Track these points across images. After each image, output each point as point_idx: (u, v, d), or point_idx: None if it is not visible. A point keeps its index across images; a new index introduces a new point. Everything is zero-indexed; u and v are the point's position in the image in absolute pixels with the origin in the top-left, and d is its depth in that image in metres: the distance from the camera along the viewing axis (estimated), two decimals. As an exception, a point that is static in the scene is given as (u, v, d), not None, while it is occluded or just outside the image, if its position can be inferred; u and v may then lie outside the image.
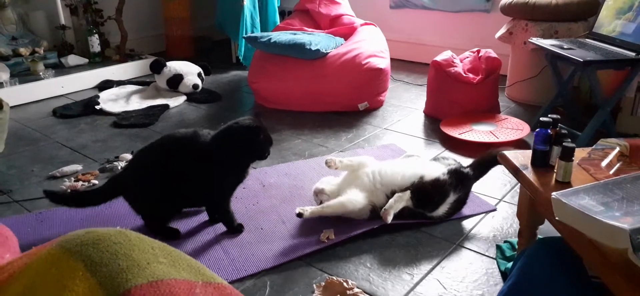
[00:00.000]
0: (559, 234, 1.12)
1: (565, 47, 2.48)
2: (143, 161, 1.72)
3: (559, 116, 1.23)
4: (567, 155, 1.11)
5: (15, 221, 1.85)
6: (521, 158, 1.21)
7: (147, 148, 1.74)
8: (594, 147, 1.28)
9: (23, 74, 3.30)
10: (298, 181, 2.15)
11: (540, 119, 1.21)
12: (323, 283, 1.50)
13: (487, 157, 1.90)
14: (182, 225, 1.80)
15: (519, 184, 1.26)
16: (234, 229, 1.77)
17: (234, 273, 1.56)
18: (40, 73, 3.31)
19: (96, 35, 3.68)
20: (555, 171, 1.16)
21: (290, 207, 1.94)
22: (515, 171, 1.19)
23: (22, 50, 3.39)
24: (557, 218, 0.96)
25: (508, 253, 1.61)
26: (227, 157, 1.66)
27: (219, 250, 1.67)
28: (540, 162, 1.21)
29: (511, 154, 1.22)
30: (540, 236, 1.33)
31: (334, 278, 1.51)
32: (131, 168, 1.74)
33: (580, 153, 1.22)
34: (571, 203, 0.92)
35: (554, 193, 0.95)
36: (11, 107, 2.93)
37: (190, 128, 1.73)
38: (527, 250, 1.14)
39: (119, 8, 3.70)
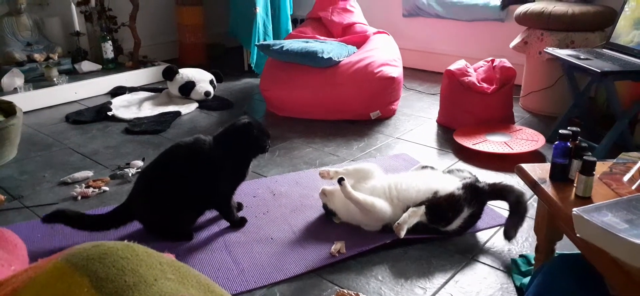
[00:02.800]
0: (578, 251, 1.09)
1: (582, 57, 2.44)
2: (149, 178, 1.76)
3: (578, 129, 1.20)
4: (588, 169, 1.07)
5: (26, 227, 1.85)
6: (539, 171, 1.18)
7: (151, 165, 1.80)
8: (615, 161, 1.24)
9: (37, 80, 3.33)
10: (309, 190, 2.12)
11: (560, 131, 1.18)
12: (334, 295, 1.48)
13: (507, 189, 1.81)
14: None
15: (537, 198, 1.22)
16: (237, 223, 1.83)
17: (243, 284, 1.54)
18: (54, 79, 3.33)
19: (110, 42, 3.70)
20: (575, 185, 1.13)
21: (300, 217, 1.92)
22: (533, 184, 1.15)
23: (37, 56, 3.41)
24: (578, 235, 0.93)
25: (524, 267, 1.56)
26: (227, 157, 1.72)
27: (228, 261, 1.65)
28: (559, 176, 1.17)
29: (529, 168, 1.19)
30: (559, 252, 1.29)
31: (345, 290, 1.49)
32: (139, 189, 1.76)
33: (601, 167, 1.18)
34: (593, 220, 0.88)
35: (575, 209, 0.92)
36: (25, 112, 2.95)
37: (192, 136, 1.78)
38: (545, 266, 1.10)
39: (133, 15, 3.73)
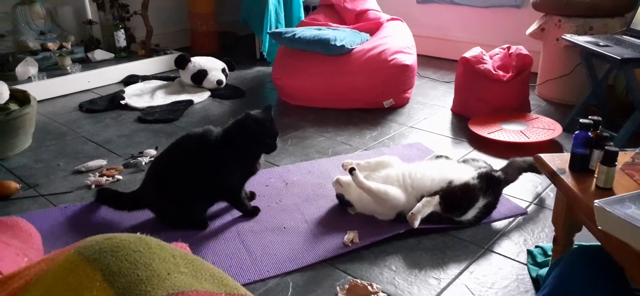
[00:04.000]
0: (598, 243, 1.06)
1: (601, 44, 2.38)
2: (159, 167, 1.77)
3: (600, 118, 1.16)
4: (610, 160, 1.04)
5: (41, 215, 1.86)
6: (558, 161, 1.15)
7: (161, 155, 1.81)
8: (638, 150, 1.20)
9: (51, 69, 3.34)
10: (321, 180, 2.11)
11: (580, 120, 1.15)
12: (347, 286, 1.47)
13: (521, 164, 1.83)
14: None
15: (555, 188, 1.19)
16: (250, 213, 1.82)
17: (256, 273, 1.54)
18: (68, 68, 3.34)
19: (122, 30, 3.70)
20: (595, 176, 1.09)
21: (313, 206, 1.91)
22: (552, 175, 1.12)
23: (50, 45, 3.43)
24: (599, 228, 0.90)
25: (540, 258, 1.54)
26: (232, 150, 1.70)
27: (242, 250, 1.65)
28: (580, 166, 1.14)
29: (548, 157, 1.16)
30: (577, 244, 1.27)
31: (358, 281, 1.47)
32: (149, 177, 1.78)
33: (623, 157, 1.15)
34: (616, 212, 0.85)
35: (596, 201, 0.89)
36: (39, 101, 2.97)
37: (202, 127, 1.77)
38: (564, 259, 1.08)
39: (145, 3, 3.72)
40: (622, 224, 0.84)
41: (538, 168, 1.75)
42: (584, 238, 1.34)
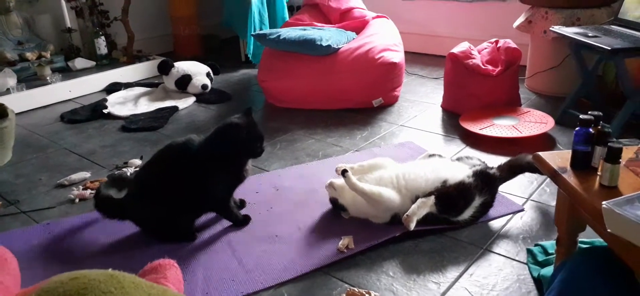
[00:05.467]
0: (603, 242, 1.02)
1: (590, 34, 2.36)
2: (142, 180, 1.70)
3: (601, 113, 1.12)
4: (614, 157, 1.00)
5: (22, 233, 1.79)
6: (559, 159, 1.11)
7: (144, 166, 1.74)
8: (640, 145, 1.17)
9: (30, 79, 3.25)
10: (313, 184, 2.05)
11: (580, 116, 1.11)
12: (344, 295, 1.42)
13: (517, 162, 1.80)
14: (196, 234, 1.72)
15: (552, 185, 1.15)
16: (240, 222, 1.75)
17: (250, 285, 1.48)
18: (48, 78, 3.25)
19: (103, 37, 3.61)
20: (599, 173, 1.06)
21: (305, 212, 1.86)
22: (553, 174, 1.09)
23: (29, 54, 3.33)
24: (609, 231, 0.86)
25: (540, 257, 1.50)
26: (216, 159, 1.62)
27: (233, 262, 1.59)
28: (582, 164, 1.10)
29: (547, 156, 1.12)
30: (581, 243, 1.23)
31: (355, 289, 1.43)
32: (132, 189, 1.71)
33: (626, 153, 1.11)
34: (627, 214, 0.82)
35: (605, 203, 0.85)
36: (19, 113, 2.88)
37: (184, 136, 1.69)
38: (570, 261, 1.04)
39: (125, 8, 3.64)
40: (633, 226, 0.80)
41: (536, 167, 1.74)
42: (587, 237, 1.31)
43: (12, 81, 3.07)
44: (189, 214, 1.70)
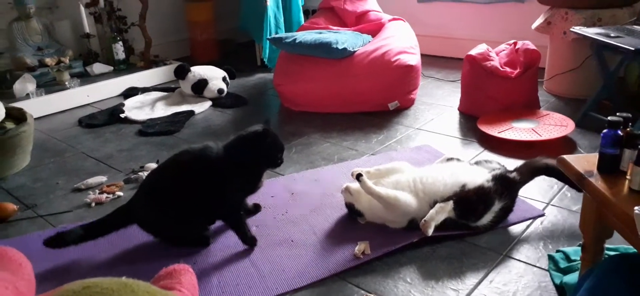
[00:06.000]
0: (630, 249, 0.98)
1: (612, 35, 2.31)
2: (154, 184, 1.66)
3: (629, 115, 1.08)
4: (644, 160, 0.97)
5: (39, 237, 1.78)
6: (585, 162, 1.07)
7: (157, 170, 1.71)
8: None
9: (49, 85, 3.29)
10: (328, 188, 2.03)
11: (609, 118, 1.07)
12: (360, 301, 1.39)
13: (537, 165, 1.76)
14: (211, 239, 1.71)
15: (571, 189, 1.12)
16: (248, 240, 1.67)
17: (265, 291, 1.46)
18: (66, 83, 3.29)
19: (120, 43, 3.65)
20: (628, 177, 1.02)
21: (321, 216, 1.84)
22: (579, 178, 1.05)
23: (48, 60, 3.37)
24: (640, 236, 0.82)
25: (562, 264, 1.46)
26: (236, 166, 1.60)
27: (248, 266, 1.58)
28: (609, 167, 1.06)
29: (573, 159, 1.08)
30: (609, 251, 1.19)
31: (372, 295, 1.40)
32: (143, 193, 1.66)
33: (655, 156, 1.07)
34: (658, 219, 0.78)
35: (637, 208, 0.81)
36: (38, 118, 2.92)
37: (201, 143, 1.66)
38: (597, 269, 1.00)
39: (143, 14, 3.67)
40: (664, 232, 0.77)
41: (555, 170, 1.70)
42: (614, 243, 1.26)
43: (31, 86, 3.11)
44: (200, 221, 1.67)
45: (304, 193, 2.01)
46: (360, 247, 1.60)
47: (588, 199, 1.10)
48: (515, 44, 2.81)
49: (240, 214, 1.67)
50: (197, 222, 1.67)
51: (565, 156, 1.10)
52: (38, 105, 3.02)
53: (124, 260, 1.65)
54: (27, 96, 3.07)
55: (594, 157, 1.10)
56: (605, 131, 1.07)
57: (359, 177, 1.68)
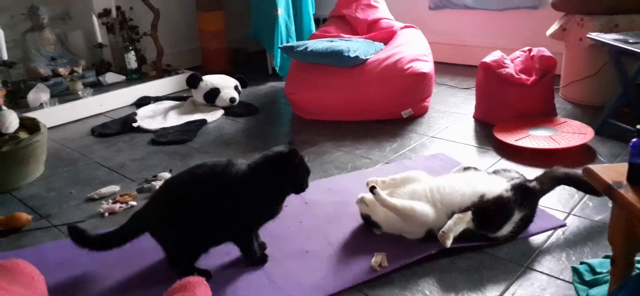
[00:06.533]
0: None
1: (631, 41, 2.26)
2: (171, 193, 1.55)
3: (657, 123, 1.05)
4: (676, 170, 0.93)
5: (53, 246, 1.79)
6: (613, 173, 1.04)
7: (175, 179, 1.61)
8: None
9: (63, 94, 3.30)
10: (343, 197, 2.00)
11: (638, 127, 1.03)
12: (378, 314, 1.36)
13: (557, 174, 1.72)
14: (224, 248, 1.67)
15: (611, 203, 1.08)
16: (257, 261, 1.61)
17: (280, 303, 1.44)
18: (79, 92, 3.30)
19: (132, 52, 3.66)
20: (659, 188, 0.98)
21: (335, 226, 1.81)
22: (607, 189, 1.01)
23: (61, 70, 3.39)
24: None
25: (588, 277, 1.41)
26: (258, 189, 1.49)
27: (262, 277, 1.55)
28: (639, 178, 1.02)
29: (600, 170, 1.05)
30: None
31: (390, 308, 1.37)
32: (157, 200, 1.57)
33: (686, 166, 1.03)
34: (696, 232, 0.74)
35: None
36: (52, 127, 2.93)
37: (224, 158, 1.56)
38: (630, 284, 0.96)
39: (154, 24, 3.68)
40: None
41: (580, 179, 1.66)
42: None
43: (45, 96, 3.12)
44: (208, 241, 1.56)
45: (318, 203, 1.98)
46: (376, 259, 1.57)
47: (617, 210, 1.06)
48: (530, 51, 2.77)
49: (251, 238, 1.58)
50: (208, 240, 1.56)
51: (591, 166, 1.06)
52: (51, 115, 3.03)
53: (135, 270, 1.62)
54: (41, 106, 3.09)
55: (622, 167, 1.06)
56: (634, 140, 1.03)
57: (372, 189, 1.65)
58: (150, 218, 1.56)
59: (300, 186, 1.54)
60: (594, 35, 2.48)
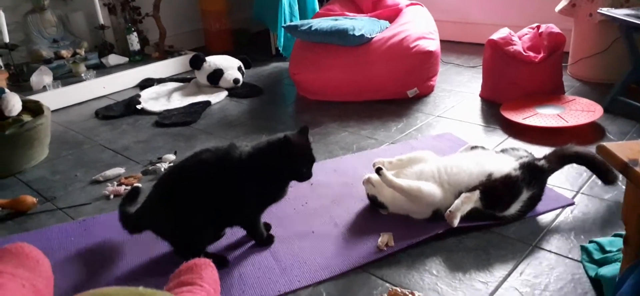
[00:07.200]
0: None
1: (642, 16, 2.21)
2: (170, 184, 1.51)
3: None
4: (692, 146, 0.90)
5: (59, 230, 1.79)
6: (629, 150, 1.01)
7: (174, 169, 1.57)
8: None
9: (65, 77, 3.28)
10: (348, 178, 1.99)
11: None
12: (385, 295, 1.35)
13: (567, 152, 1.70)
14: (229, 232, 1.67)
15: (625, 181, 1.05)
16: (265, 242, 1.60)
17: (286, 284, 1.43)
18: (82, 74, 3.28)
19: (135, 34, 3.63)
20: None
21: (341, 207, 1.80)
22: (623, 167, 0.99)
23: (64, 52, 3.37)
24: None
25: (597, 255, 1.40)
26: (262, 177, 1.46)
27: (269, 259, 1.55)
28: (654, 155, 1.00)
29: (615, 147, 1.02)
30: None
31: (398, 288, 1.36)
32: (156, 194, 1.53)
33: (700, 142, 1.00)
34: None
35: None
36: (55, 110, 2.92)
37: (227, 141, 1.54)
38: (642, 263, 0.94)
39: (156, 4, 3.64)
40: None
41: (590, 158, 1.64)
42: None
43: (48, 79, 3.11)
44: (211, 229, 1.55)
45: (324, 184, 1.97)
46: (383, 239, 1.56)
47: (632, 189, 1.04)
48: (538, 27, 2.73)
49: (257, 220, 1.57)
50: (210, 229, 1.54)
51: (606, 144, 1.03)
52: (55, 97, 3.02)
53: (140, 253, 1.62)
54: (44, 89, 3.07)
55: (637, 144, 1.03)
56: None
57: (378, 171, 1.63)
58: (152, 213, 1.52)
59: (298, 175, 1.50)
60: (605, 10, 2.43)
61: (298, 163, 1.48)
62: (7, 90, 2.39)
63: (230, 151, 1.48)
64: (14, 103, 2.31)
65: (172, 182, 1.52)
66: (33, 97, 2.67)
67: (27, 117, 2.32)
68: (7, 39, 3.02)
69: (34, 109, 2.42)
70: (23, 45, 3.32)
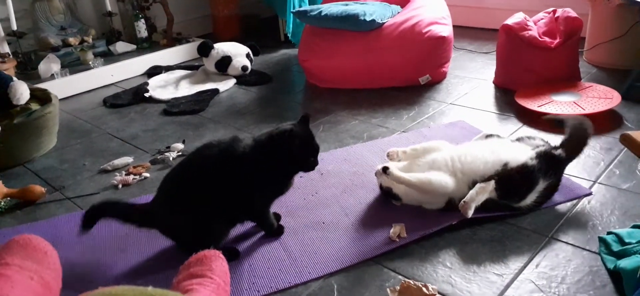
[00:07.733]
0: None
1: (663, -1, 2.14)
2: (175, 183, 1.48)
3: None
4: None
5: (67, 219, 1.78)
6: (653, 139, 0.97)
7: (177, 169, 1.52)
8: None
9: (73, 65, 3.27)
10: (358, 167, 1.96)
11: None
12: (398, 287, 1.32)
13: (579, 132, 1.65)
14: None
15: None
16: (275, 232, 1.58)
17: (296, 276, 1.41)
18: (90, 62, 3.26)
19: (142, 20, 3.60)
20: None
21: (352, 197, 1.77)
22: (648, 157, 0.95)
23: (72, 39, 3.35)
24: None
25: (615, 247, 1.35)
26: (263, 166, 1.44)
27: (279, 250, 1.52)
28: (681, 145, 0.96)
29: (638, 135, 0.98)
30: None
31: (410, 281, 1.33)
32: (162, 195, 1.49)
33: None
34: None
35: None
36: (63, 98, 2.91)
37: (229, 137, 1.49)
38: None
39: (164, -10, 3.60)
40: None
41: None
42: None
43: (56, 67, 3.09)
44: (223, 223, 1.50)
45: (334, 173, 1.93)
46: (395, 230, 1.52)
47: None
48: (554, 12, 2.65)
49: (266, 212, 1.55)
50: (220, 223, 1.50)
51: (630, 133, 0.99)
52: (63, 85, 3.00)
53: (149, 244, 1.60)
54: (52, 77, 3.06)
55: (663, 133, 0.99)
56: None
57: (385, 170, 1.58)
58: (157, 213, 1.48)
59: (304, 166, 1.49)
60: (623, -6, 2.36)
61: (304, 155, 1.47)
62: (15, 78, 2.37)
63: (234, 145, 1.45)
64: (22, 91, 2.29)
65: (177, 182, 1.48)
66: (41, 85, 2.66)
67: (35, 106, 2.31)
68: (14, 27, 3.00)
69: (41, 97, 2.41)
70: (31, 33, 3.30)
